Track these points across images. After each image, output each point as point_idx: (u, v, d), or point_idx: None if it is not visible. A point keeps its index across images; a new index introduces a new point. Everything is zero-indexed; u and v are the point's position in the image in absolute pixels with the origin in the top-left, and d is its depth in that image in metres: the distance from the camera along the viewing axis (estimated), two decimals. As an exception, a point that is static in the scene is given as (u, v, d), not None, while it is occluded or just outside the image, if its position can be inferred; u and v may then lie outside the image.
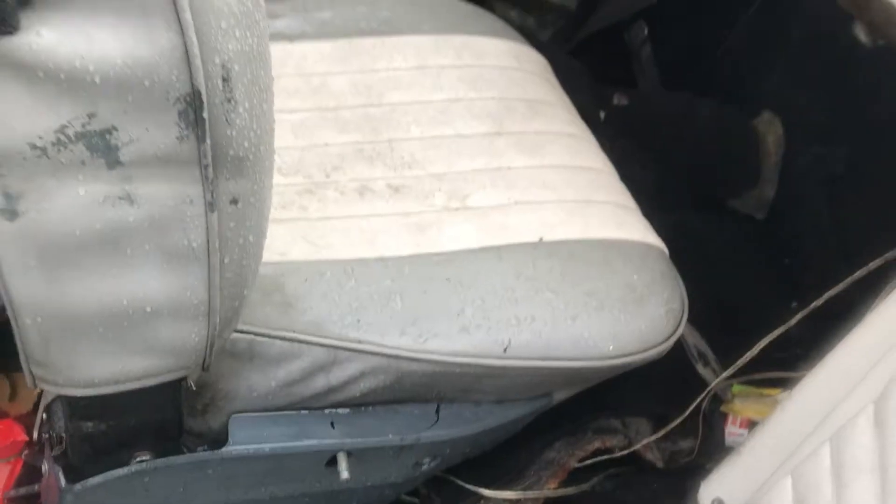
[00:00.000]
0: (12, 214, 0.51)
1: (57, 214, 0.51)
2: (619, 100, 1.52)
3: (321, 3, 1.05)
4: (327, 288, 0.74)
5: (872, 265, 1.00)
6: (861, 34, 1.29)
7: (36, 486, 0.93)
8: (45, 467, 0.77)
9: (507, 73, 1.04)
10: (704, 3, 1.51)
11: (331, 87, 0.96)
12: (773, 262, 1.43)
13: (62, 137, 0.48)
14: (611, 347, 0.78)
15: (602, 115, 1.50)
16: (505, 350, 0.75)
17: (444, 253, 0.80)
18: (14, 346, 1.09)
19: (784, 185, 1.47)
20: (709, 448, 1.16)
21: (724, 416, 1.23)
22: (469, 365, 0.74)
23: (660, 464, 1.06)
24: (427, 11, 1.09)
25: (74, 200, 0.51)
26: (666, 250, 0.91)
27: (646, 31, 1.65)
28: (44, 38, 0.43)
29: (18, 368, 1.08)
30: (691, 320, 1.31)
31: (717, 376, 1.21)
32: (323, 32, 1.01)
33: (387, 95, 0.97)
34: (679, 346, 1.27)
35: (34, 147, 0.48)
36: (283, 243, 0.77)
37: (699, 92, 1.55)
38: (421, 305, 0.75)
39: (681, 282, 0.89)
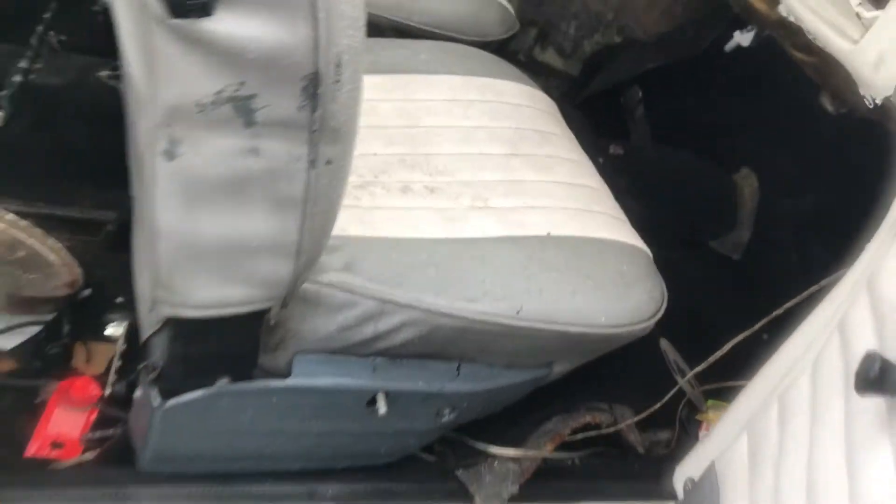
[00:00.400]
0: (171, 156, 0.69)
1: (202, 160, 0.70)
2: (615, 150, 1.72)
3: (371, 47, 1.26)
4: (378, 256, 0.92)
5: (824, 282, 1.19)
6: (826, 103, 1.49)
7: (110, 431, 1.09)
8: (138, 393, 0.93)
9: (521, 109, 1.24)
10: (691, 72, 1.73)
11: (379, 110, 1.16)
12: (746, 296, 1.61)
13: (218, 99, 0.66)
14: (603, 319, 0.96)
15: (600, 161, 1.70)
16: (518, 313, 0.92)
17: (471, 238, 0.98)
18: (88, 318, 1.26)
19: (758, 230, 1.67)
20: (684, 447, 1.33)
21: (699, 423, 1.40)
22: (488, 322, 0.92)
23: (640, 449, 1.23)
24: (458, 57, 1.31)
25: (216, 150, 0.69)
26: (650, 254, 1.09)
27: (640, 95, 1.88)
28: (223, 22, 0.62)
29: (92, 338, 1.26)
30: (673, 341, 1.49)
31: (693, 386, 1.39)
32: (373, 69, 1.22)
33: (424, 120, 1.16)
34: (662, 361, 1.45)
35: (198, 104, 0.66)
36: (342, 223, 0.94)
37: (686, 147, 1.76)
38: (452, 274, 0.93)
39: (661, 279, 1.07)
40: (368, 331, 0.90)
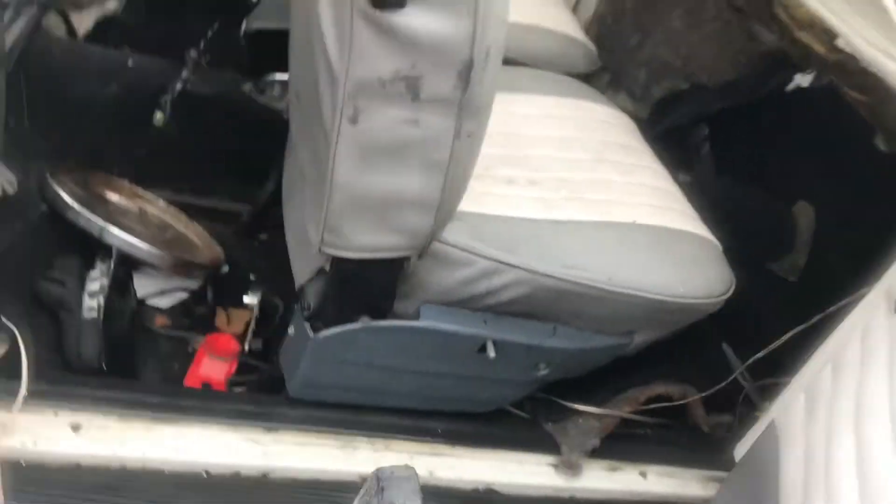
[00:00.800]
0: (353, 121, 0.89)
1: (375, 126, 0.89)
2: (682, 177, 1.90)
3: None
4: (492, 227, 1.10)
5: (865, 290, 1.33)
6: (881, 143, 1.64)
7: (251, 376, 1.28)
8: (291, 330, 1.12)
9: (606, 126, 1.44)
10: (755, 111, 1.91)
11: (486, 119, 1.36)
12: (800, 314, 1.75)
13: (395, 77, 0.86)
14: (681, 290, 1.13)
15: (669, 186, 1.88)
16: (609, 280, 1.10)
17: (568, 220, 1.16)
18: (228, 289, 1.47)
19: (813, 256, 1.82)
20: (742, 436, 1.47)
21: (756, 419, 1.55)
22: (583, 286, 1.09)
23: (705, 427, 1.38)
24: (551, 82, 1.51)
25: (387, 119, 0.89)
26: (720, 247, 1.26)
27: (706, 132, 2.06)
28: (410, 15, 0.82)
29: (230, 305, 1.46)
30: (734, 348, 1.64)
31: (748, 380, 1.54)
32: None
33: (524, 130, 1.36)
34: (725, 363, 1.60)
35: (380, 80, 0.86)
36: (462, 202, 1.14)
37: (748, 181, 1.93)
38: (552, 246, 1.11)
39: (729, 267, 1.24)
40: (482, 286, 1.08)
